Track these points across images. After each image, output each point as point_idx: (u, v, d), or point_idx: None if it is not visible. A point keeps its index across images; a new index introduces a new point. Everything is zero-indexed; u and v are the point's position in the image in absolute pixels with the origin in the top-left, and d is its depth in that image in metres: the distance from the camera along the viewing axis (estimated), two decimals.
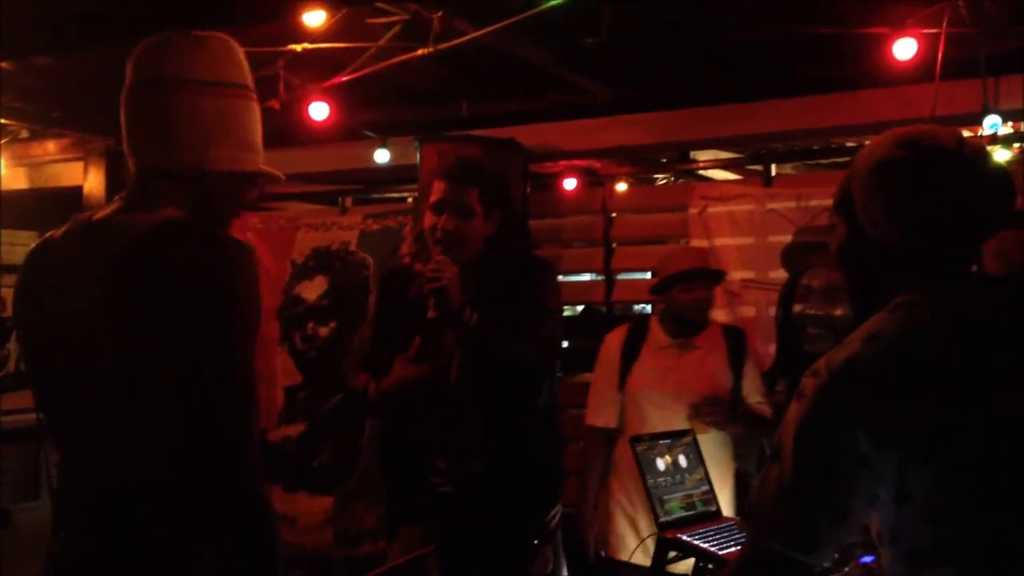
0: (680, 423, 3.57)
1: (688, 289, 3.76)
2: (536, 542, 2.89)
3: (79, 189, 5.87)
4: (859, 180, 1.61)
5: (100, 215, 1.81)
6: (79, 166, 5.95)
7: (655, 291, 3.94)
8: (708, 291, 3.83)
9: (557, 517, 3.03)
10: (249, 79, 1.90)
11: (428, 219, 2.85)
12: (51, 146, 6.07)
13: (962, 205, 1.54)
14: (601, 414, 3.86)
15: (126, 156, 1.84)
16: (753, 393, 3.77)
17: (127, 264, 1.68)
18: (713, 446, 3.52)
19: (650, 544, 2.83)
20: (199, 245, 1.70)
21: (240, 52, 1.90)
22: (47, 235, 1.85)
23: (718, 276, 3.90)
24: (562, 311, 3.19)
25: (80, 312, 1.71)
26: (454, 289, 2.68)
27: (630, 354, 3.86)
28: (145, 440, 1.68)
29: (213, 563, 1.68)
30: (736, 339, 3.85)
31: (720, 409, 3.64)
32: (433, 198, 2.85)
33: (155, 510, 1.67)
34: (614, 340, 3.92)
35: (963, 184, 1.54)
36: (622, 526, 3.77)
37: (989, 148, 3.92)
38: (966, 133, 4.16)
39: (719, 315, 4.49)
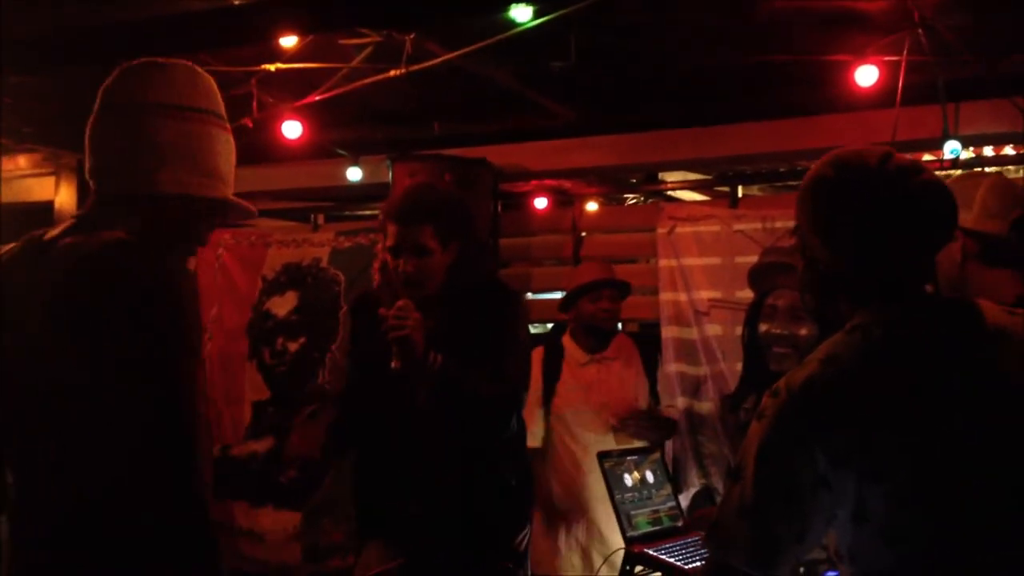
0: (607, 436, 3.67)
1: (595, 300, 3.88)
2: (510, 565, 2.91)
3: (50, 204, 5.84)
4: (798, 200, 1.64)
5: (50, 235, 1.81)
6: (50, 181, 5.91)
7: (563, 307, 4.04)
8: (614, 301, 3.94)
9: (527, 539, 3.06)
10: (218, 107, 1.88)
11: (389, 260, 2.85)
12: (22, 161, 6.03)
13: (887, 223, 1.54)
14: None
15: (87, 181, 1.85)
16: (664, 396, 3.95)
17: (68, 286, 1.69)
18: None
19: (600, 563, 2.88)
20: (135, 267, 1.70)
21: (208, 80, 1.88)
22: None
23: (624, 287, 4.02)
24: (530, 339, 3.21)
25: (27, 332, 1.71)
26: (417, 336, 2.65)
27: (551, 373, 3.93)
28: (92, 457, 1.68)
29: None
30: (649, 347, 3.98)
31: (642, 422, 3.75)
32: (389, 242, 2.83)
33: (104, 526, 1.68)
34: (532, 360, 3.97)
35: (887, 202, 1.54)
36: (566, 548, 3.84)
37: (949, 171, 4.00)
38: (928, 158, 4.26)
39: (687, 333, 4.56)
